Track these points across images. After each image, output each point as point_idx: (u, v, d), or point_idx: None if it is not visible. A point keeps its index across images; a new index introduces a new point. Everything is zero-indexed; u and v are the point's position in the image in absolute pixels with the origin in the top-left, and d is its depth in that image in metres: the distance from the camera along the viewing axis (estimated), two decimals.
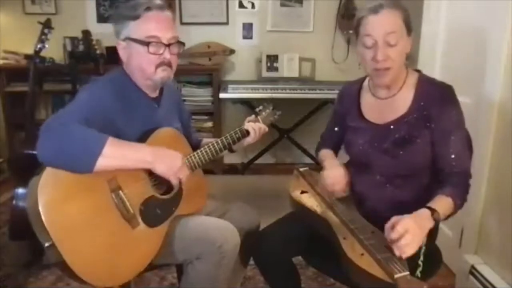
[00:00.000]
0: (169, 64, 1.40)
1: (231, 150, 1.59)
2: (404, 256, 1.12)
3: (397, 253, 1.12)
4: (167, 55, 1.38)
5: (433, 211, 1.20)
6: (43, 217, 1.12)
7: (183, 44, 1.45)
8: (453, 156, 1.32)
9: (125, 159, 1.23)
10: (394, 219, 1.16)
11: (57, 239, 1.13)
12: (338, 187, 1.40)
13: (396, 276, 1.07)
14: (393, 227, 1.13)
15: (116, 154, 1.20)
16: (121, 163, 1.22)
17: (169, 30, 1.38)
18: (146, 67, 1.37)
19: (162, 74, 1.39)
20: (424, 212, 1.20)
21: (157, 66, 1.38)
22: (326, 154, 1.58)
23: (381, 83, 1.37)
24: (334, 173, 1.43)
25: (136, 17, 1.34)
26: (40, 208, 1.12)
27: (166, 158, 1.30)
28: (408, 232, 1.11)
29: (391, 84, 1.38)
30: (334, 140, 1.61)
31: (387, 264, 1.11)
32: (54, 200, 1.15)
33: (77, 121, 1.18)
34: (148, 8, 1.34)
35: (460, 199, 1.29)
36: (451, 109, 1.33)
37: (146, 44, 1.34)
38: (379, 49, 1.28)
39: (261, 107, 1.67)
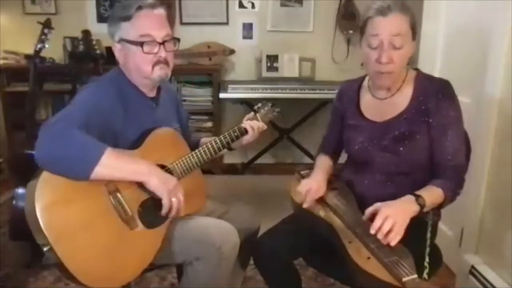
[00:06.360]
0: (165, 62, 1.39)
1: (230, 148, 1.58)
2: (392, 243, 1.14)
3: (383, 241, 1.14)
4: (162, 53, 1.37)
5: (417, 196, 1.23)
6: (40, 221, 1.11)
7: (178, 40, 1.44)
8: (449, 151, 1.34)
9: (121, 170, 1.22)
10: (372, 208, 1.21)
11: (55, 242, 1.12)
12: (301, 197, 1.41)
13: (404, 279, 1.06)
14: (372, 217, 1.17)
15: (113, 165, 1.20)
16: (117, 173, 1.22)
17: (162, 27, 1.38)
18: (142, 67, 1.37)
19: (159, 72, 1.39)
20: (407, 197, 1.24)
21: (154, 65, 1.38)
22: (319, 164, 1.57)
23: (382, 85, 1.38)
24: (308, 184, 1.42)
25: (128, 18, 1.34)
26: (37, 212, 1.11)
27: (161, 175, 1.29)
28: (389, 217, 1.14)
29: (391, 86, 1.39)
30: (335, 142, 1.60)
31: (394, 267, 1.10)
32: (51, 203, 1.15)
33: (77, 125, 1.18)
34: (139, 8, 1.33)
35: (451, 191, 1.31)
36: (449, 104, 1.34)
37: (140, 44, 1.34)
38: (384, 51, 1.28)
39: (259, 105, 1.66)
